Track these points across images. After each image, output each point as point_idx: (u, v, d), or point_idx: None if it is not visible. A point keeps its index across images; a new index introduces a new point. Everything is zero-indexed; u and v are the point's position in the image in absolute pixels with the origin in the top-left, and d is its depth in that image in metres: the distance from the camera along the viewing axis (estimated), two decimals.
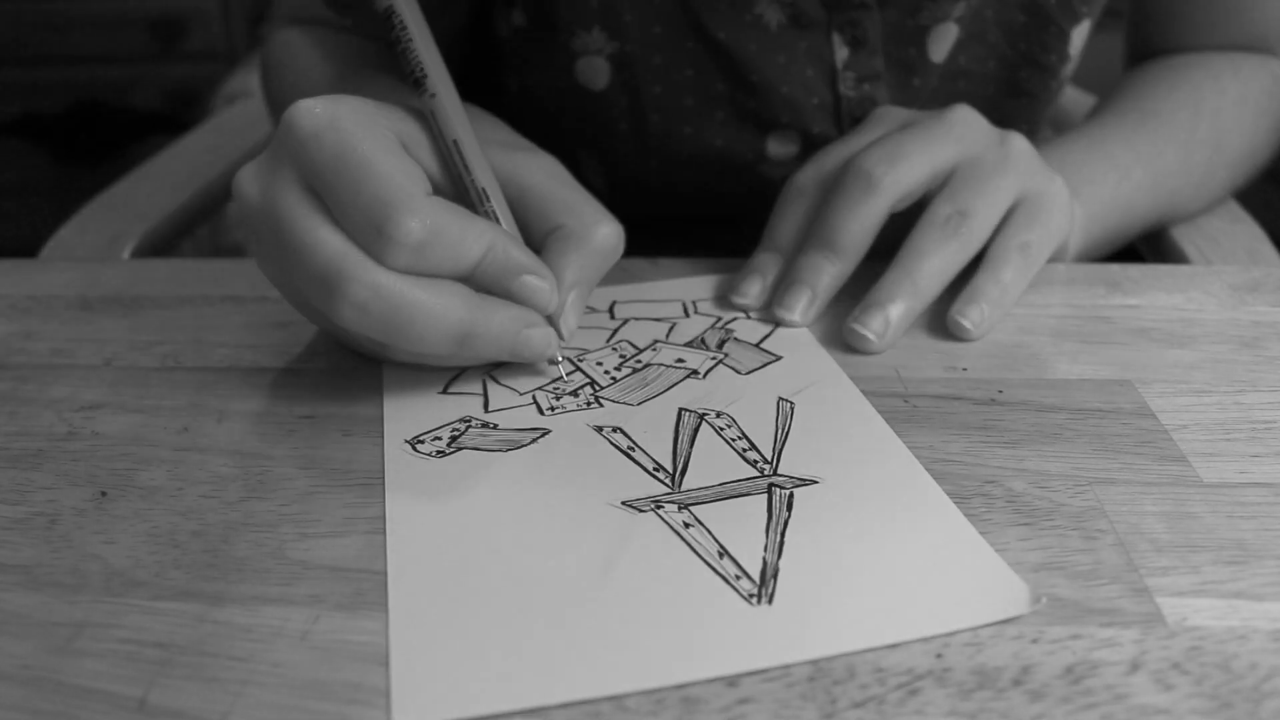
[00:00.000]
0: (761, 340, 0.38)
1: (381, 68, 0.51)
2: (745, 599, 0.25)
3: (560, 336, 0.35)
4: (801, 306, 0.38)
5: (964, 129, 0.39)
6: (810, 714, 0.22)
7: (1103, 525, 0.28)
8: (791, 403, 0.34)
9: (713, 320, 0.39)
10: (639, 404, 0.34)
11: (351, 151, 0.31)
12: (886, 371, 0.36)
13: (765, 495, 0.29)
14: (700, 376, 0.35)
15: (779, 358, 0.36)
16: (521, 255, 0.33)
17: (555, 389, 0.35)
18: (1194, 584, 0.26)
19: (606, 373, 0.36)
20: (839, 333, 0.38)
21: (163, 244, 0.59)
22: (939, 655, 0.24)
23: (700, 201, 0.54)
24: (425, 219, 0.30)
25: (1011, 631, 0.25)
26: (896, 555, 0.27)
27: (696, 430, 0.32)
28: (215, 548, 0.28)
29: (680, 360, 0.36)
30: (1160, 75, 0.53)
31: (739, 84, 0.49)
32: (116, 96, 2.17)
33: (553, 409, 0.34)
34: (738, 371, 0.36)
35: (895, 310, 0.37)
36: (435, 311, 0.31)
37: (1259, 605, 0.25)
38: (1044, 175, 0.40)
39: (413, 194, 0.31)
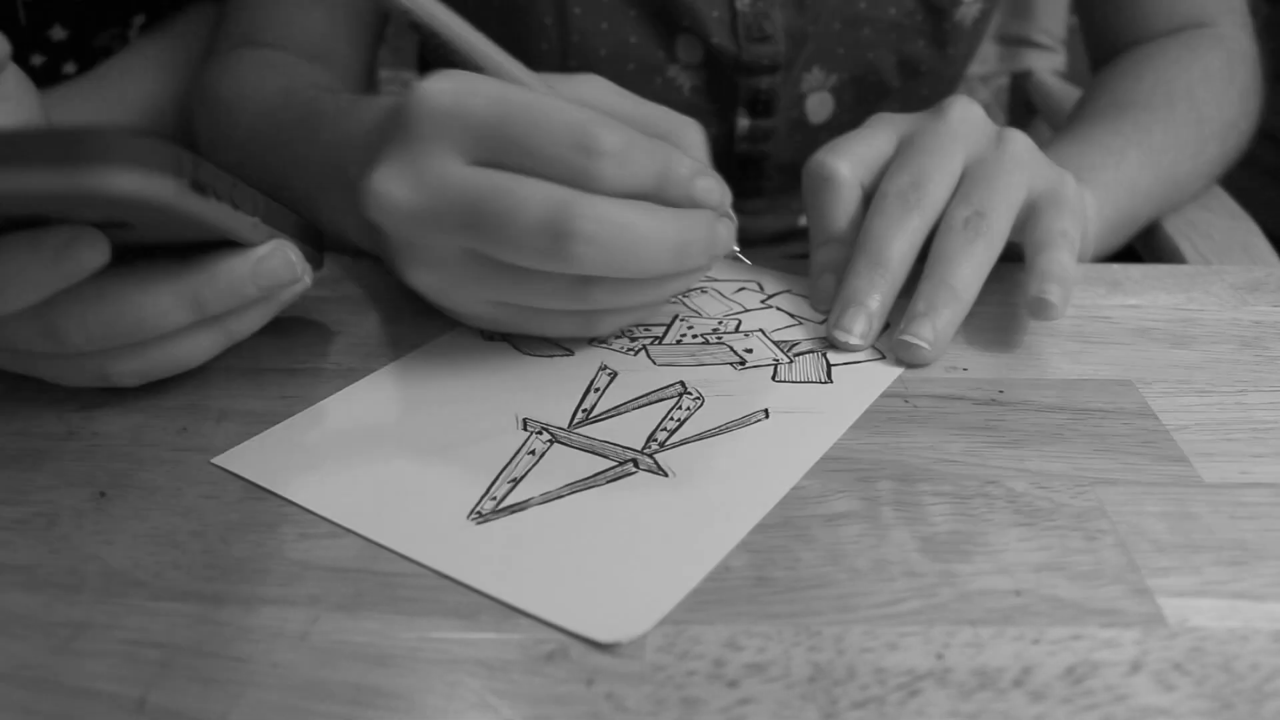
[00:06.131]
0: (842, 362, 0.36)
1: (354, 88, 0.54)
2: (472, 514, 0.28)
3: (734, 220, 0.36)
4: (861, 328, 0.37)
5: (968, 129, 0.40)
6: (811, 714, 0.22)
7: (1104, 525, 0.28)
8: (765, 412, 0.33)
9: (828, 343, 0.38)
10: (661, 366, 0.36)
11: (508, 98, 0.31)
12: None
13: (614, 464, 0.30)
14: (739, 368, 0.36)
15: (830, 382, 0.35)
16: (690, 160, 0.33)
17: (628, 330, 0.38)
18: (1195, 584, 0.26)
19: (680, 335, 0.38)
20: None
21: None
22: (939, 656, 0.24)
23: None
24: (617, 129, 0.31)
25: (1012, 632, 0.25)
26: (612, 553, 0.27)
27: (675, 401, 0.34)
28: (214, 548, 0.28)
29: (748, 350, 0.37)
30: (1124, 70, 0.55)
31: None
32: None
33: (603, 343, 0.37)
34: (774, 378, 0.35)
35: (941, 319, 0.36)
36: (655, 226, 0.31)
37: (1260, 606, 0.25)
38: (1053, 171, 0.40)
39: (594, 111, 0.31)
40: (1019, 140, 0.40)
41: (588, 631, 0.24)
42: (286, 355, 0.37)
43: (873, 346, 0.37)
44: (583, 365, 0.36)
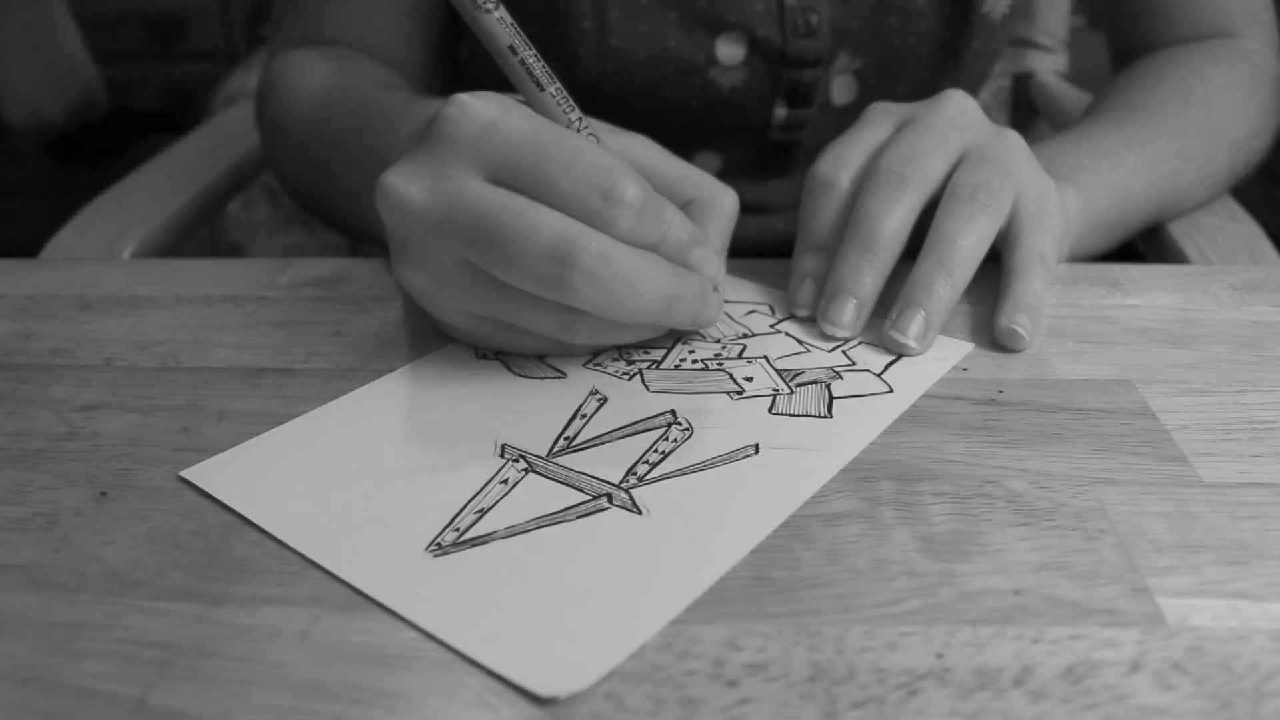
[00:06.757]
0: (846, 395, 0.34)
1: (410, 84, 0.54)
2: (431, 546, 0.27)
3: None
4: (849, 319, 0.37)
5: (965, 119, 0.40)
6: (811, 714, 0.22)
7: (1103, 525, 0.28)
8: (752, 452, 0.31)
9: (838, 368, 0.36)
10: (654, 393, 0.34)
11: (546, 131, 0.32)
12: None
13: (587, 498, 0.29)
14: (736, 397, 0.34)
15: (830, 417, 0.33)
16: (694, 228, 0.34)
17: (625, 354, 0.36)
18: (1195, 584, 0.26)
19: (681, 359, 0.36)
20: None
21: (163, 246, 0.59)
22: (939, 655, 0.24)
23: (651, 116, 0.56)
24: (641, 183, 0.31)
25: (1012, 632, 0.25)
26: (572, 603, 0.25)
27: (662, 432, 0.32)
28: (215, 548, 0.28)
29: (748, 378, 0.35)
30: (1144, 72, 0.55)
31: None
32: (115, 96, 2.17)
33: (597, 365, 0.36)
34: (770, 410, 0.33)
35: (935, 306, 0.37)
36: (653, 276, 0.32)
37: (1260, 605, 0.25)
38: (1043, 178, 0.41)
39: (622, 160, 0.32)
40: (1016, 138, 0.40)
41: (525, 682, 0.23)
42: (286, 355, 0.37)
43: (879, 377, 0.35)
44: (573, 389, 0.34)
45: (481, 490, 0.29)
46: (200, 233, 0.66)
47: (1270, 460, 0.31)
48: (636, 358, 0.36)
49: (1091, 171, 0.47)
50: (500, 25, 0.33)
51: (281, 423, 0.33)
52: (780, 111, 0.56)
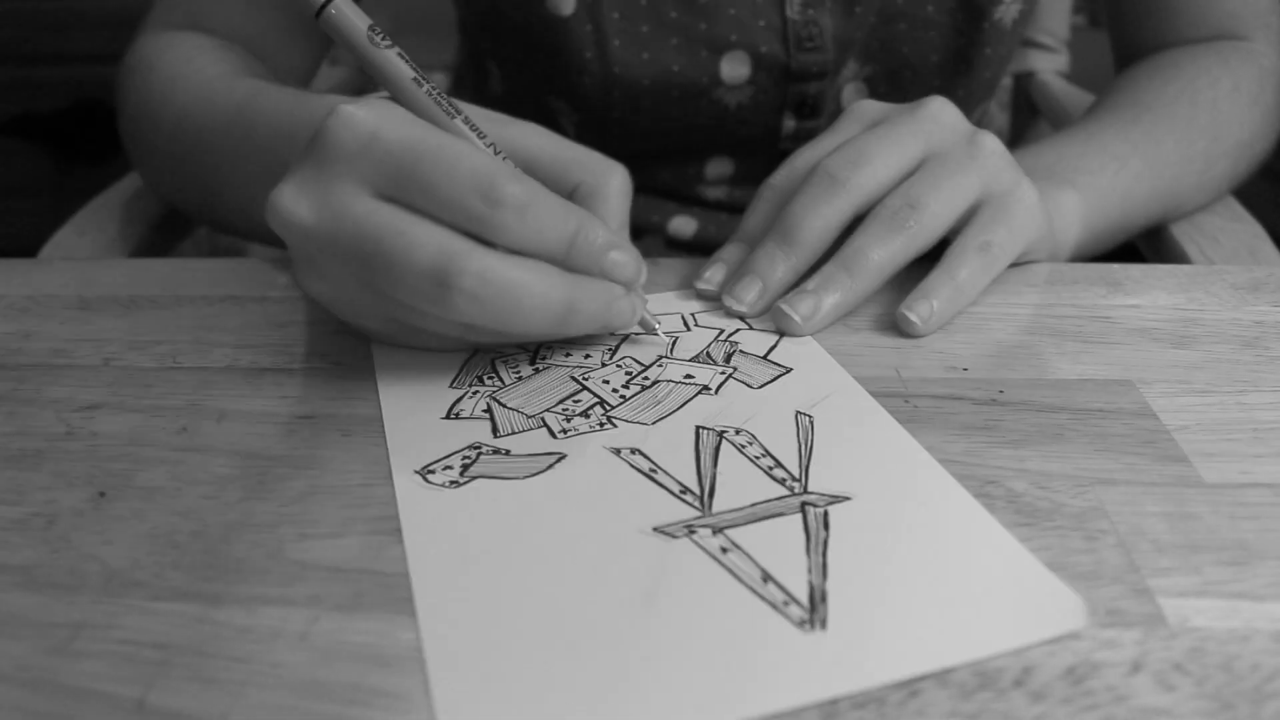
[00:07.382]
0: (768, 352, 0.37)
1: (292, 82, 0.52)
2: (796, 625, 0.24)
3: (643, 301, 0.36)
4: (751, 298, 0.38)
5: (933, 125, 0.39)
6: (811, 715, 0.22)
7: (1104, 526, 0.28)
8: (810, 416, 0.33)
9: (715, 333, 0.38)
10: (653, 423, 0.33)
11: (426, 137, 0.31)
12: (887, 371, 0.36)
13: (799, 515, 0.28)
14: (713, 392, 0.34)
15: (789, 369, 0.35)
16: (605, 231, 0.33)
17: (565, 410, 0.33)
18: (1196, 585, 0.26)
19: (615, 391, 0.34)
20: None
21: (162, 245, 0.59)
22: None
23: (661, 135, 0.56)
24: (525, 184, 0.31)
25: None
26: (943, 573, 0.26)
27: (718, 449, 0.31)
28: (214, 548, 0.28)
29: (689, 376, 0.35)
30: (1152, 72, 0.55)
31: (689, 7, 0.53)
32: (115, 97, 2.17)
33: (565, 431, 0.32)
34: (750, 386, 0.34)
35: (829, 299, 0.37)
36: (540, 291, 0.31)
37: (1261, 606, 0.25)
38: (1011, 176, 0.40)
39: (505, 163, 0.31)
40: (987, 141, 0.39)
41: (1039, 634, 0.24)
42: (286, 355, 0.37)
43: (748, 325, 0.38)
44: (597, 461, 0.31)
45: (724, 568, 0.26)
46: (199, 232, 0.66)
47: (1271, 460, 0.31)
48: (583, 406, 0.34)
49: (1095, 174, 0.47)
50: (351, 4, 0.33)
51: (282, 422, 0.33)
52: (789, 123, 0.56)
